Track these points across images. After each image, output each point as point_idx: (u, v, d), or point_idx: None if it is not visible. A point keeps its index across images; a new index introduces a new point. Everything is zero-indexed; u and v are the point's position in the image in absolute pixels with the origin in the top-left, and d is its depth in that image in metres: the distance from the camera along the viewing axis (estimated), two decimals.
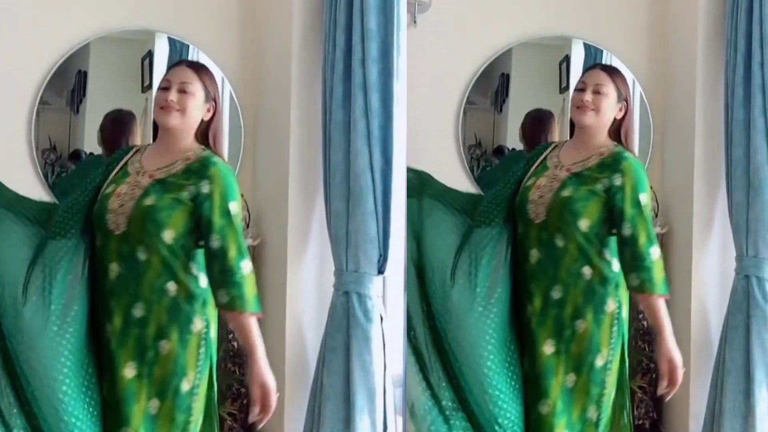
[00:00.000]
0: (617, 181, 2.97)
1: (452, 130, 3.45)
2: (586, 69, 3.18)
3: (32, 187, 3.02)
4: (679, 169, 3.60)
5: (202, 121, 2.71)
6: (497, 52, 3.47)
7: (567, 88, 3.47)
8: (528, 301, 3.09)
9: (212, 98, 2.72)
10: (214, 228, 2.61)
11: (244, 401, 3.22)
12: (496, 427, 3.03)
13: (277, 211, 3.18)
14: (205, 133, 2.73)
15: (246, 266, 2.63)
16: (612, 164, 2.98)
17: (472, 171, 3.45)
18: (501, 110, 3.50)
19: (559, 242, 2.98)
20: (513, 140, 3.48)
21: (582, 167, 3.03)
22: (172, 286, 2.61)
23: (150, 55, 3.16)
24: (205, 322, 2.64)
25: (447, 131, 3.46)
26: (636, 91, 3.61)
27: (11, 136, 3.03)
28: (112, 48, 3.13)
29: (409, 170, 3.19)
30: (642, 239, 2.94)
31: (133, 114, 3.08)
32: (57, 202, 2.93)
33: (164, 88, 2.68)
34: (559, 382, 3.02)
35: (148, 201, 2.60)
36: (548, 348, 3.03)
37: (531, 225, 3.05)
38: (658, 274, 2.96)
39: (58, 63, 3.05)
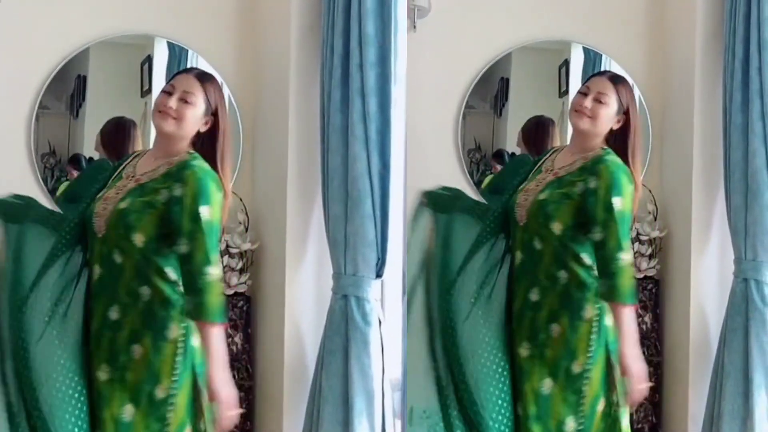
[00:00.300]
0: (592, 184, 2.92)
1: (452, 134, 3.46)
2: (594, 74, 3.14)
3: (31, 192, 3.03)
4: (677, 173, 3.60)
5: (199, 131, 2.69)
6: (497, 56, 3.48)
7: (566, 92, 3.48)
8: (513, 304, 3.09)
9: (212, 112, 2.69)
10: (182, 232, 2.57)
11: (244, 405, 3.22)
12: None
13: (276, 214, 3.18)
14: (203, 142, 2.71)
15: (212, 273, 2.58)
16: (591, 167, 2.94)
17: (471, 175, 3.45)
18: (500, 114, 3.51)
19: (537, 245, 2.95)
20: (512, 144, 3.49)
21: (566, 171, 3.01)
22: (145, 290, 2.59)
23: (149, 59, 3.17)
24: (183, 329, 2.59)
25: (447, 135, 3.46)
26: (635, 95, 3.62)
27: (11, 140, 3.04)
28: (112, 52, 3.14)
29: (444, 188, 3.19)
30: (611, 244, 2.89)
31: (134, 122, 3.09)
32: (58, 209, 2.95)
33: (167, 92, 2.68)
34: (533, 387, 2.97)
35: (123, 204, 2.60)
36: (524, 351, 3.00)
37: (517, 228, 3.04)
38: (624, 281, 2.89)
39: (57, 67, 3.06)
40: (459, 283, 3.16)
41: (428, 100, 3.42)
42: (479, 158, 3.48)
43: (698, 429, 3.49)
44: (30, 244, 2.72)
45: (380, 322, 3.03)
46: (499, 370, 3.10)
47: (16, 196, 2.93)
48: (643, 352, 3.59)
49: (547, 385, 2.92)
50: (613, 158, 2.94)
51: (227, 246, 3.23)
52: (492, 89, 3.48)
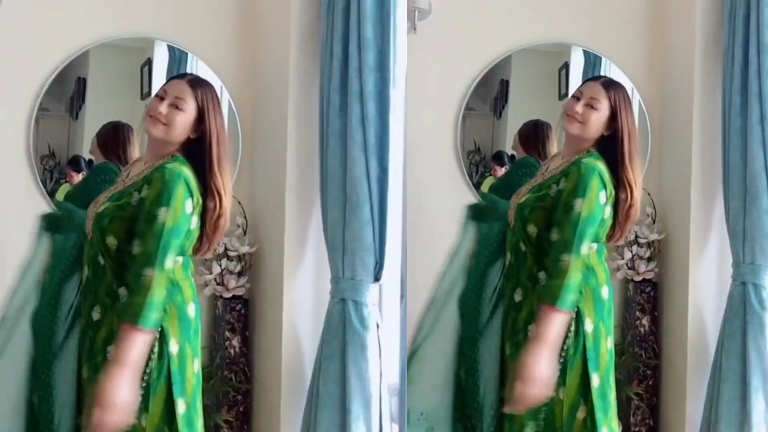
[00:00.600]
0: (561, 185, 2.88)
1: (451, 135, 3.46)
2: (588, 79, 3.12)
3: (29, 194, 3.05)
4: (676, 177, 3.60)
5: (189, 138, 2.68)
6: (497, 58, 3.48)
7: (566, 94, 3.48)
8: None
9: (204, 121, 2.65)
10: (137, 233, 2.54)
11: (241, 409, 3.24)
12: None
13: (274, 218, 3.19)
14: (194, 148, 2.67)
15: (149, 275, 2.48)
16: (566, 169, 2.91)
17: (470, 177, 3.46)
18: (500, 116, 3.51)
19: (522, 247, 2.93)
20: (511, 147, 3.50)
21: (550, 174, 2.97)
22: (123, 292, 2.56)
23: (149, 62, 3.18)
24: (158, 334, 2.54)
25: (446, 137, 3.47)
26: (634, 99, 3.62)
27: (10, 142, 3.04)
28: (112, 55, 3.15)
29: (483, 197, 3.21)
30: (559, 243, 2.81)
31: (130, 126, 3.09)
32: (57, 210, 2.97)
33: (160, 97, 2.67)
34: (510, 387, 2.93)
35: (101, 208, 2.61)
36: (507, 350, 2.99)
37: (509, 230, 3.02)
38: (555, 281, 2.79)
39: (57, 70, 3.07)
40: (484, 287, 3.15)
41: (428, 101, 3.42)
42: (479, 160, 3.48)
43: None
44: (67, 251, 2.76)
45: (378, 326, 3.03)
46: (496, 372, 3.11)
47: (60, 206, 2.98)
48: (641, 355, 3.63)
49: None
50: (591, 160, 2.87)
51: (225, 249, 3.24)
52: (492, 91, 3.48)
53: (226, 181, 2.66)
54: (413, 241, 3.31)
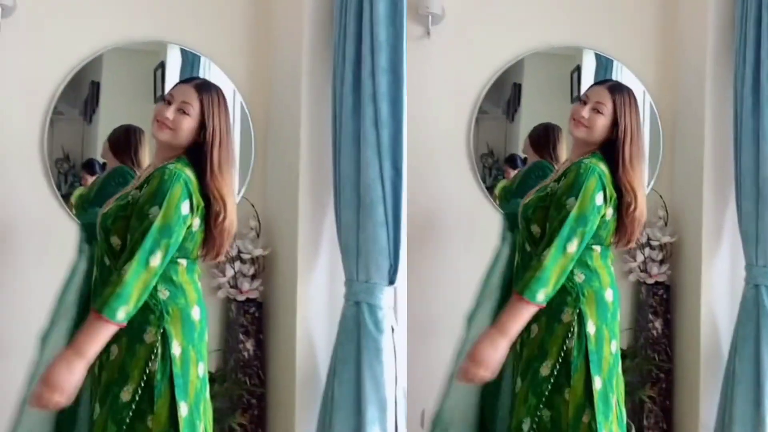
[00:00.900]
0: (558, 185, 2.85)
1: (464, 138, 3.46)
2: (594, 83, 3.10)
3: (43, 197, 3.05)
4: (688, 179, 3.60)
5: (197, 141, 2.65)
6: (509, 62, 3.49)
7: (579, 97, 3.47)
8: None
9: (208, 125, 2.62)
10: (129, 229, 2.53)
11: (255, 412, 3.24)
12: None
13: (288, 221, 3.19)
14: (198, 151, 2.64)
15: (126, 270, 2.46)
16: (566, 171, 2.91)
17: (483, 180, 3.46)
18: (513, 119, 3.51)
19: (527, 247, 2.92)
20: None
21: (556, 176, 2.98)
22: None
23: (162, 65, 3.19)
24: (160, 336, 2.54)
25: (459, 140, 3.47)
26: (646, 102, 3.63)
27: (25, 145, 3.06)
28: (125, 59, 3.16)
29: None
30: (547, 238, 2.78)
31: (141, 129, 3.10)
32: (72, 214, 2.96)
33: (166, 101, 2.67)
34: (509, 383, 2.92)
35: (106, 209, 2.62)
36: (515, 348, 2.98)
37: (517, 231, 3.01)
38: (531, 273, 2.75)
39: (71, 74, 3.08)
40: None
41: (441, 105, 3.43)
42: (491, 163, 3.48)
43: None
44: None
45: (393, 330, 3.03)
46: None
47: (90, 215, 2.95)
48: (654, 358, 3.62)
49: (518, 384, 2.90)
50: (592, 161, 2.83)
51: (239, 251, 3.24)
52: (505, 94, 3.48)
53: (227, 185, 2.64)
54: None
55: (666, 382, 3.63)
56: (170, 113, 2.61)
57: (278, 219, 3.27)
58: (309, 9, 3.15)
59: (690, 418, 3.57)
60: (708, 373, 3.52)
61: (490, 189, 3.47)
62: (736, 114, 3.43)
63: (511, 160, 3.49)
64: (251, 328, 3.25)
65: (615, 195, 2.83)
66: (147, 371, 2.53)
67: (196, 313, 2.62)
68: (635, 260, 3.64)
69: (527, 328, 2.86)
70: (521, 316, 2.74)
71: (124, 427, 2.51)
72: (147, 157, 3.08)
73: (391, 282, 3.04)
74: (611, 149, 2.88)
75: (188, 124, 2.61)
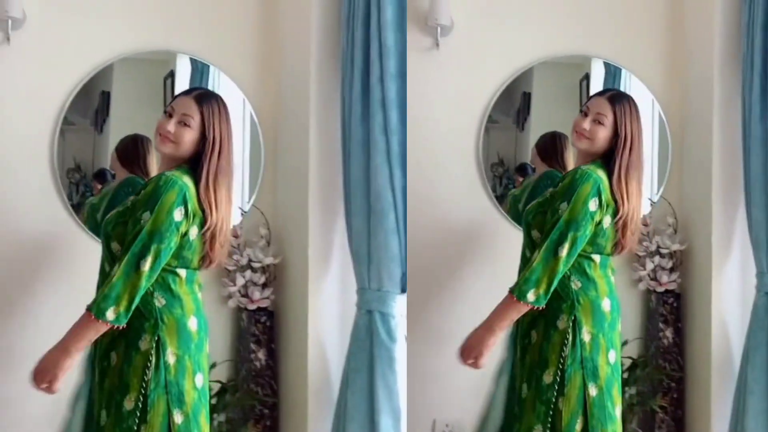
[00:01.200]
0: (555, 190, 2.86)
1: (474, 148, 3.46)
2: (595, 94, 3.09)
3: (54, 207, 3.04)
4: (697, 186, 3.59)
5: (198, 151, 2.64)
6: (518, 71, 3.49)
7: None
8: None
9: (208, 136, 2.63)
10: (126, 233, 2.56)
11: (268, 423, 3.22)
12: None
13: (298, 229, 3.18)
14: (197, 161, 2.65)
15: (114, 271, 2.49)
16: (563, 176, 2.89)
17: (494, 189, 3.46)
18: (523, 128, 3.51)
19: (528, 252, 2.92)
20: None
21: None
22: None
23: (172, 75, 3.19)
24: (153, 344, 2.55)
25: (469, 150, 3.47)
26: (654, 109, 3.63)
27: (35, 155, 3.05)
28: (135, 68, 3.16)
29: None
30: (541, 240, 2.80)
31: (148, 139, 3.10)
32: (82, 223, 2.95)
33: (168, 114, 2.67)
34: (515, 388, 2.91)
35: (108, 216, 2.63)
36: (518, 354, 2.98)
37: (523, 237, 3.00)
38: (522, 274, 2.79)
39: (81, 83, 3.08)
40: None
41: (451, 114, 3.43)
42: (502, 172, 3.48)
43: None
44: None
45: (405, 338, 3.01)
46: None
47: None
48: (665, 367, 3.60)
49: (524, 390, 2.89)
50: (590, 168, 2.84)
51: (249, 260, 3.23)
52: (514, 104, 3.48)
53: (219, 195, 2.63)
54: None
55: (677, 391, 3.61)
56: (171, 126, 2.62)
57: (288, 227, 3.26)
58: (316, 16, 3.16)
59: (702, 427, 3.54)
60: (719, 382, 3.50)
61: (500, 198, 3.46)
62: (745, 121, 3.43)
63: (522, 170, 3.49)
64: (263, 337, 3.24)
65: (614, 203, 2.83)
66: (144, 380, 2.53)
67: (193, 323, 2.63)
68: (645, 268, 3.63)
69: (527, 335, 2.87)
70: (507, 313, 2.78)
71: None
72: (155, 165, 3.08)
73: (403, 290, 3.03)
74: (613, 158, 2.89)
75: (189, 136, 2.63)
